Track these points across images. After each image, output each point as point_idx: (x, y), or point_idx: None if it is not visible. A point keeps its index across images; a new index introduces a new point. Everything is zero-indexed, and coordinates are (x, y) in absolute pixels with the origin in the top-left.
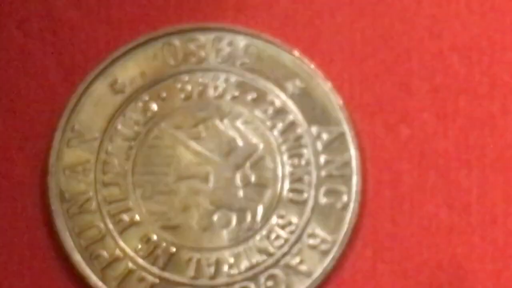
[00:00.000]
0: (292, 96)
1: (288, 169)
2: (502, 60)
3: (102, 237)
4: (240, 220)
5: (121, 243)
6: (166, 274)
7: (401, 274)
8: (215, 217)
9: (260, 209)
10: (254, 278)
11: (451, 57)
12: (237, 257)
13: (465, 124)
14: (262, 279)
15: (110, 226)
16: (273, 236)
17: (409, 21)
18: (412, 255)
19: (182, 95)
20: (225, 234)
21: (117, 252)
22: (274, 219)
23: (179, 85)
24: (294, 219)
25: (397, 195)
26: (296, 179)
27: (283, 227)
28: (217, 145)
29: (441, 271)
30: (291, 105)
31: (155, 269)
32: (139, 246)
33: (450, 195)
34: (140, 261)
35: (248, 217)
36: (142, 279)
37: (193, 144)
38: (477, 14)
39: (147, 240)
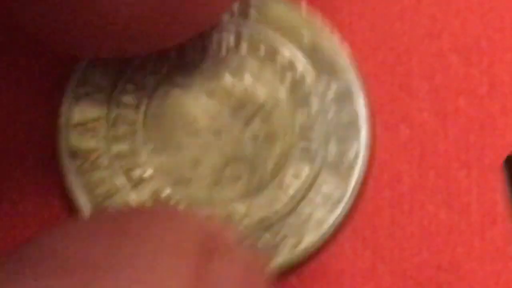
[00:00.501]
0: (301, 49)
1: (299, 120)
2: (502, 60)
3: (114, 193)
4: (252, 172)
5: (133, 199)
6: None
7: (400, 274)
8: (227, 171)
9: (271, 161)
10: (267, 229)
11: (451, 57)
12: (249, 208)
13: (465, 124)
14: (275, 228)
15: (122, 181)
16: (284, 186)
17: (409, 21)
18: (411, 255)
19: (191, 52)
20: (237, 187)
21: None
22: (285, 170)
23: (189, 42)
24: (305, 169)
25: (397, 195)
26: (306, 130)
27: (294, 177)
28: (226, 100)
29: (440, 271)
30: (300, 57)
31: None
32: (151, 202)
33: (450, 195)
34: None
35: (260, 169)
36: None
37: (203, 100)
38: (477, 14)
39: (158, 195)
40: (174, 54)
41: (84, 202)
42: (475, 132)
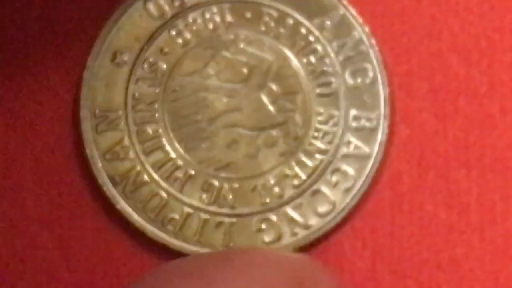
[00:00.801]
0: (285, 2)
1: (308, 68)
2: (501, 60)
3: (166, 202)
4: (284, 133)
5: (185, 200)
6: (239, 210)
7: (400, 274)
8: (260, 141)
9: (298, 116)
10: (320, 178)
11: (451, 57)
12: (296, 167)
13: (464, 124)
14: (328, 176)
15: (169, 189)
16: (320, 134)
17: (409, 21)
18: (411, 255)
19: (180, 41)
20: (276, 152)
21: (186, 209)
22: (314, 119)
23: (174, 33)
24: (334, 111)
25: (397, 195)
26: (319, 74)
27: (326, 122)
28: (233, 75)
29: (440, 271)
30: (288, 10)
31: (226, 210)
32: (203, 196)
33: (450, 195)
34: (210, 208)
35: (291, 128)
36: (219, 224)
37: (212, 83)
38: (477, 15)
39: (208, 187)
40: (167, 48)
41: (140, 222)
42: (475, 132)
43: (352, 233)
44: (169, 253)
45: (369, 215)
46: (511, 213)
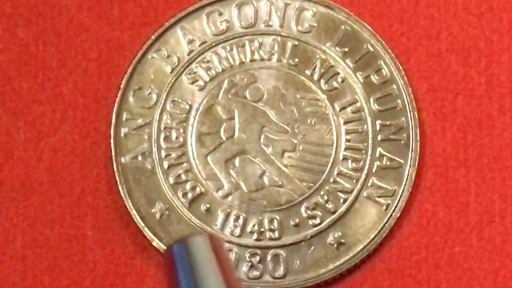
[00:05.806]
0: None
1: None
2: (499, 61)
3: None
4: None
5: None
6: None
7: (399, 273)
8: None
9: None
10: None
11: (449, 57)
12: None
13: (463, 124)
14: None
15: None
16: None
17: (408, 22)
18: (410, 254)
19: None
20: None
21: None
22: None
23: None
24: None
25: None
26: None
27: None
28: None
29: (439, 269)
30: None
31: None
32: None
33: (448, 194)
34: None
35: None
36: None
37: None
38: (475, 16)
39: None
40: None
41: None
42: (473, 131)
43: None
44: None
45: None
46: (510, 212)
